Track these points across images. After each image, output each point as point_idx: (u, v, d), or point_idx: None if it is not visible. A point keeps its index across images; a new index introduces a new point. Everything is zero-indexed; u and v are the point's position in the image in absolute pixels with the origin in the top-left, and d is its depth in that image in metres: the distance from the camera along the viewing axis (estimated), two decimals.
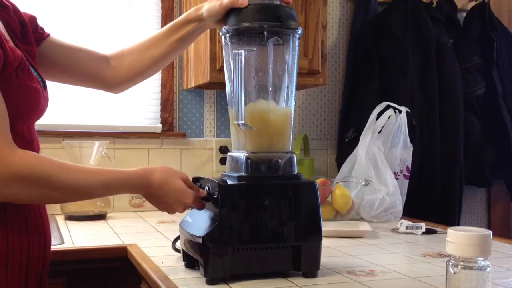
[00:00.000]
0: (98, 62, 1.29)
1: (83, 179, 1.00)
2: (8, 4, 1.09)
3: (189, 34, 1.25)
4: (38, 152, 1.09)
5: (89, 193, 1.04)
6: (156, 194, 1.06)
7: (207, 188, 1.12)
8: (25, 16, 1.14)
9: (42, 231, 1.07)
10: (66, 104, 2.11)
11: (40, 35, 1.20)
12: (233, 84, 1.13)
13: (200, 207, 1.11)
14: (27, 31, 1.12)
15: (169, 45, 1.26)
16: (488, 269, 0.74)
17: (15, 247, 1.00)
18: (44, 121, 2.06)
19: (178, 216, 2.00)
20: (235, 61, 1.10)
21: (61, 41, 1.24)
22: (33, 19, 1.18)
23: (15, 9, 1.11)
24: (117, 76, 1.31)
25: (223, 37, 1.16)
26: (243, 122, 1.09)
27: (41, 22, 1.22)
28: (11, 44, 1.01)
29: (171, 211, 1.09)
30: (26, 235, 1.02)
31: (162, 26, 2.25)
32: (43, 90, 1.07)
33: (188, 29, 1.24)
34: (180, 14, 2.26)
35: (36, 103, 1.04)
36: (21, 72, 0.99)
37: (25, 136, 1.04)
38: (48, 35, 1.22)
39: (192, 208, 1.13)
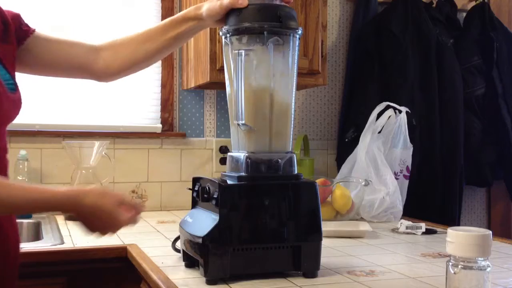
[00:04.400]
0: (88, 53, 1.27)
1: (10, 194, 0.95)
2: None
3: (186, 32, 1.24)
4: (4, 156, 1.07)
5: (14, 209, 1.00)
6: (88, 218, 1.02)
7: (207, 188, 1.12)
8: (8, 14, 1.13)
9: (5, 241, 1.04)
10: (66, 104, 2.11)
11: (24, 32, 1.18)
12: (233, 84, 1.13)
13: (133, 224, 1.08)
14: (9, 30, 1.11)
15: (165, 40, 1.24)
16: (488, 269, 0.74)
17: None
18: (44, 121, 2.09)
19: (178, 216, 2.00)
20: (235, 61, 1.10)
21: (47, 36, 1.23)
22: (16, 16, 1.17)
23: None
24: (109, 68, 1.28)
25: (223, 37, 1.16)
26: (243, 122, 1.09)
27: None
28: None
29: (102, 234, 1.05)
30: None
31: None
32: (7, 92, 1.04)
33: (186, 27, 1.23)
34: None
35: None
36: None
37: None
38: (34, 30, 1.20)
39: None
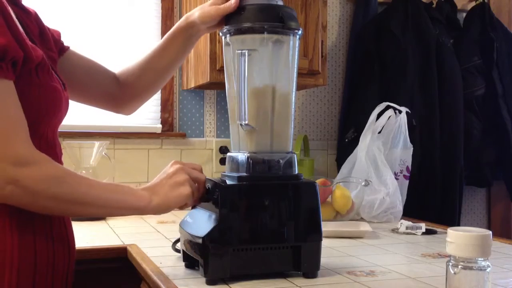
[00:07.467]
0: (111, 82, 1.28)
1: (106, 196, 0.99)
2: (31, 10, 1.09)
3: (184, 42, 1.24)
4: (60, 157, 1.08)
5: (108, 211, 1.05)
6: (157, 184, 1.04)
7: (207, 188, 1.12)
8: (48, 28, 1.14)
9: (67, 242, 1.06)
10: None
11: (62, 45, 1.20)
12: (234, 84, 1.13)
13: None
14: (47, 38, 1.11)
15: (168, 56, 1.26)
16: (488, 269, 0.74)
17: (42, 257, 0.98)
18: None
19: (178, 217, 2.00)
20: (237, 61, 1.10)
21: (80, 55, 1.24)
22: (56, 33, 1.19)
23: (36, 17, 1.11)
24: (125, 95, 1.30)
25: (223, 37, 1.16)
26: (246, 122, 1.09)
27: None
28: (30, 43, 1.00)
29: (182, 188, 1.04)
30: (52, 245, 1.01)
31: (162, 26, 2.25)
32: (63, 90, 1.06)
33: (183, 38, 1.23)
34: (180, 14, 2.26)
35: (57, 102, 1.02)
36: (41, 71, 0.98)
37: (49, 140, 1.02)
38: (68, 48, 1.22)
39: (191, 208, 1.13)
